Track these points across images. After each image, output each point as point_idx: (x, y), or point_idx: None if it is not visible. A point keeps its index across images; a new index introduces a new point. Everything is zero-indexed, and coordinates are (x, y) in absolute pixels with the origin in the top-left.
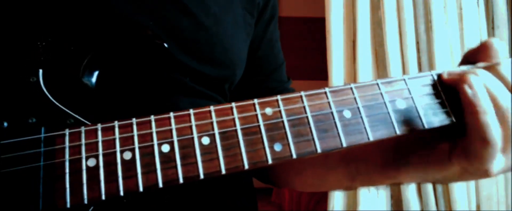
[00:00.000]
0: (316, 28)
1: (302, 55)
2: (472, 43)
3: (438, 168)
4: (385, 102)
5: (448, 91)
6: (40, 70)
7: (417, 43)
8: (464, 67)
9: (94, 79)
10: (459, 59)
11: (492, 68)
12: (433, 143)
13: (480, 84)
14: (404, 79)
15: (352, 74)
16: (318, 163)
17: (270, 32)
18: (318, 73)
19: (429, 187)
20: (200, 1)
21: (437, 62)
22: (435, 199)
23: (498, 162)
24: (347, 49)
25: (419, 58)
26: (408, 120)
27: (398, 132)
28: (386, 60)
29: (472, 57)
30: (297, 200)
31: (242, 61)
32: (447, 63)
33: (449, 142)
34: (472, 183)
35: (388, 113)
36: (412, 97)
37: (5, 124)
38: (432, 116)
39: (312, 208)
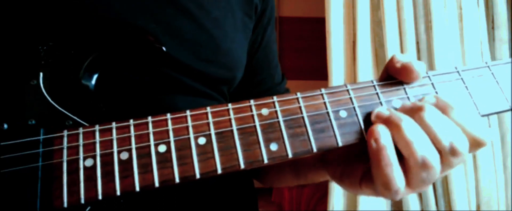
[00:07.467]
0: (316, 28)
1: (302, 55)
2: (472, 43)
3: (350, 186)
4: (381, 102)
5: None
6: (41, 74)
7: (417, 43)
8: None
9: (93, 81)
10: (459, 59)
11: (416, 113)
12: (353, 162)
13: (386, 138)
14: (402, 82)
15: (352, 74)
16: (276, 167)
17: (267, 36)
18: (318, 73)
19: (429, 187)
20: (201, 5)
21: (437, 62)
22: (435, 199)
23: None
24: (347, 49)
25: (419, 58)
26: None
27: None
28: (386, 60)
29: (394, 73)
30: (297, 200)
31: (242, 65)
32: (447, 63)
33: (363, 166)
34: (472, 184)
35: None
36: (408, 97)
37: (5, 126)
38: None
39: (312, 208)
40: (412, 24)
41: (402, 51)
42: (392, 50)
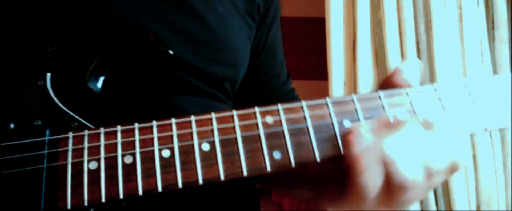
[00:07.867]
0: (316, 28)
1: (302, 55)
2: (472, 43)
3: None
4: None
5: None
6: (48, 74)
7: (417, 43)
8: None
9: (99, 84)
10: (459, 59)
11: (397, 130)
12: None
13: (364, 147)
14: (406, 92)
15: (352, 74)
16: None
17: (272, 36)
18: (318, 73)
19: None
20: (206, 2)
21: (437, 62)
22: (435, 199)
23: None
24: (347, 49)
25: (419, 58)
26: None
27: None
28: (386, 60)
29: (390, 81)
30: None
31: (246, 62)
32: (447, 63)
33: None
34: (472, 184)
35: None
36: (413, 109)
37: (12, 126)
38: None
39: (312, 208)
40: (412, 24)
41: (402, 51)
42: (392, 50)
